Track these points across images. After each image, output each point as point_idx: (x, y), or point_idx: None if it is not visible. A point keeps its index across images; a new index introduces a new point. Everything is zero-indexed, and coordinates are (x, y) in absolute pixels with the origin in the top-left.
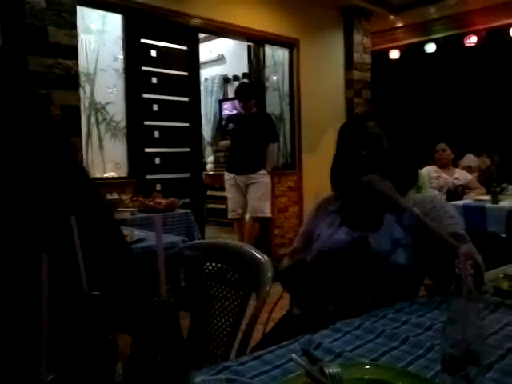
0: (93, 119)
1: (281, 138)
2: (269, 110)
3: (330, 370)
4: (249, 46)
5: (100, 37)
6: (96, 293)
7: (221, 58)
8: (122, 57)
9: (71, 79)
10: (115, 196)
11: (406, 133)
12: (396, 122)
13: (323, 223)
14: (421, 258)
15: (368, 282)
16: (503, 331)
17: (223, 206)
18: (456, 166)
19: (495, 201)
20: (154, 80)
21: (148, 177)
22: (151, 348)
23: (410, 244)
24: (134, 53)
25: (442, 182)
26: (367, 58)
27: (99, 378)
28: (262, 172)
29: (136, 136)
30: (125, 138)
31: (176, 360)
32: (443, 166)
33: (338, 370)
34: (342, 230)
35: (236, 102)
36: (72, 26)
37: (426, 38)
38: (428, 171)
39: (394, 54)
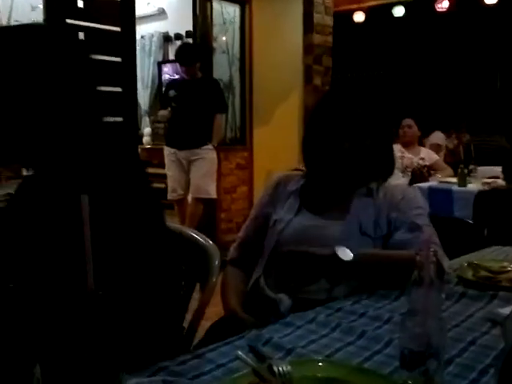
0: None
1: (229, 109)
2: (216, 75)
3: (280, 368)
4: (194, 0)
5: None
6: None
7: (161, 12)
8: (41, 6)
9: None
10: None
11: (386, 117)
12: (377, 104)
13: (280, 206)
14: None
15: (334, 277)
16: (465, 323)
17: (162, 186)
18: (422, 144)
19: (463, 183)
20: (81, 36)
21: None
22: (75, 345)
23: (381, 237)
24: (56, 2)
25: (407, 162)
26: (329, 20)
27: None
28: (207, 147)
29: None
30: None
31: (105, 360)
32: (408, 144)
33: (289, 367)
34: (302, 215)
35: (178, 65)
36: None
37: (394, 1)
38: None
39: (359, 17)
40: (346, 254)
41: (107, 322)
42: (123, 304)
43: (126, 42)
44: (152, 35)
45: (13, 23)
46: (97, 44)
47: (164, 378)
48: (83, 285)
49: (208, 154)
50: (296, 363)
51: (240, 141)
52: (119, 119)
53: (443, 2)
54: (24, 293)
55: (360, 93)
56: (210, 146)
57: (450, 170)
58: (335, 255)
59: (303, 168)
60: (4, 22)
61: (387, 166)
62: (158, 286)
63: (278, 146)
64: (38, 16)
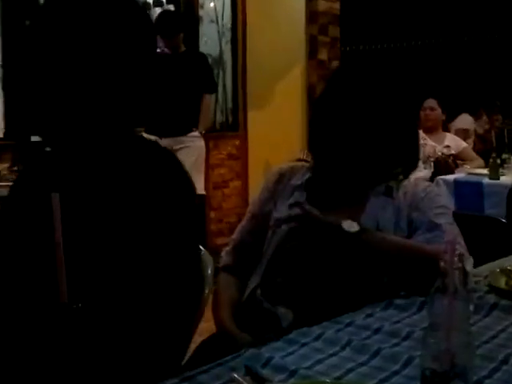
0: None
1: (219, 88)
2: (203, 49)
3: None
4: None
5: None
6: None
7: None
8: None
9: None
10: None
11: (408, 98)
12: (397, 83)
13: (282, 203)
14: None
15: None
16: (497, 339)
17: None
18: (447, 130)
19: (495, 175)
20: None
21: (34, 138)
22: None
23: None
24: None
25: (429, 151)
26: None
27: None
28: (193, 134)
29: (16, 75)
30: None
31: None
32: (431, 129)
33: None
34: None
35: (158, 37)
36: None
37: None
38: None
39: None
40: (352, 226)
41: (81, 338)
42: (109, 318)
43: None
44: None
45: None
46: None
47: None
48: (54, 296)
49: (194, 143)
50: None
51: (232, 126)
52: None
53: None
54: None
55: (376, 69)
56: (196, 133)
57: (480, 160)
58: (340, 227)
59: (309, 158)
60: None
61: (410, 158)
62: (155, 303)
63: (278, 131)
64: None
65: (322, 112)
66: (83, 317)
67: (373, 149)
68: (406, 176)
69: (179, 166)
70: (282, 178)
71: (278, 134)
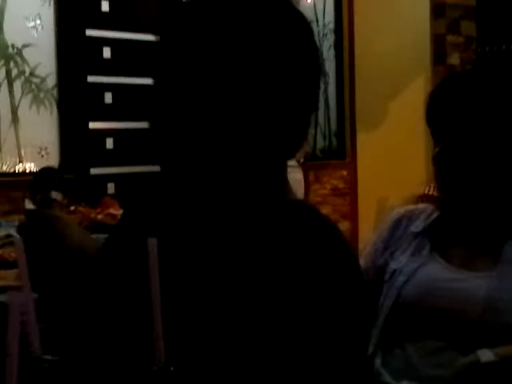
0: (1, 73)
1: (320, 106)
2: None
3: None
4: None
5: None
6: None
7: None
8: None
9: None
10: None
11: None
12: None
13: (401, 252)
14: None
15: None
16: None
17: None
18: None
19: None
20: (105, 5)
21: (94, 171)
22: None
23: None
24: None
25: None
26: None
27: None
28: (288, 164)
29: (74, 102)
30: (55, 104)
31: None
32: None
33: None
34: (433, 263)
35: None
36: None
37: None
38: None
39: None
40: (486, 355)
41: None
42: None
43: (172, 9)
44: None
45: None
46: (128, 16)
47: None
48: (150, 357)
49: (290, 174)
50: None
51: (337, 153)
52: None
53: None
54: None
55: (505, 75)
56: (292, 162)
57: None
58: (477, 363)
59: (435, 193)
60: None
61: None
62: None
63: (395, 159)
64: None
65: (453, 136)
66: (176, 381)
67: None
68: None
69: (344, 241)
70: (399, 224)
71: (395, 163)
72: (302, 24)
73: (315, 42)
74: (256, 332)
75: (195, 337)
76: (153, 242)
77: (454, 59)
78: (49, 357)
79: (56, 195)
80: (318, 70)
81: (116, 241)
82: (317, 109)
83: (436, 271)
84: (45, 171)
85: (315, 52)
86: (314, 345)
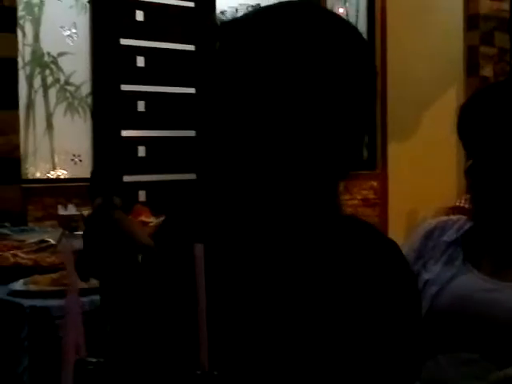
0: (37, 81)
1: None
2: None
3: None
4: None
5: None
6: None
7: None
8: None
9: (4, 14)
10: (72, 211)
11: None
12: None
13: (434, 262)
14: None
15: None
16: None
17: None
18: None
19: None
20: (140, 16)
21: (126, 179)
22: None
23: None
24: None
25: None
26: None
27: None
28: None
29: (107, 110)
30: (88, 112)
31: None
32: None
33: None
34: (466, 273)
35: None
36: None
37: None
38: None
39: None
40: None
41: None
42: None
43: (200, 23)
44: (236, 9)
45: (47, 1)
46: (160, 27)
47: None
48: (194, 361)
49: None
50: None
51: (368, 163)
52: (192, 133)
53: None
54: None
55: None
56: None
57: None
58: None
59: (467, 205)
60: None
61: None
62: None
63: (426, 170)
64: None
65: (485, 150)
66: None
67: None
68: None
69: (403, 258)
70: (432, 234)
71: (426, 174)
72: (365, 53)
73: (375, 70)
74: (303, 345)
75: (241, 342)
76: (200, 248)
77: (488, 71)
78: (93, 359)
79: (116, 199)
80: (374, 95)
81: (159, 246)
82: (368, 132)
83: (469, 281)
84: (102, 174)
85: (374, 79)
86: (373, 356)
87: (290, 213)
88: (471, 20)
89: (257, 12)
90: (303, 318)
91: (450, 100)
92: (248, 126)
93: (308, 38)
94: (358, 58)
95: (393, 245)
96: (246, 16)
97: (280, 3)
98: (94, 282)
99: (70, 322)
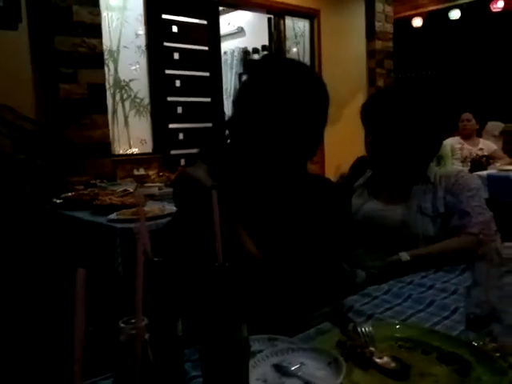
0: (117, 97)
1: None
2: None
3: (363, 329)
4: (269, 18)
5: (122, 13)
6: (157, 258)
7: (240, 30)
8: (143, 33)
9: (96, 57)
10: (142, 172)
11: (426, 105)
12: (417, 93)
13: (355, 195)
14: (448, 230)
15: (399, 251)
16: None
17: None
18: (480, 136)
19: None
20: (176, 56)
21: (172, 152)
22: (207, 305)
23: (439, 214)
24: (155, 29)
25: (466, 153)
26: (389, 27)
27: (163, 332)
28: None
29: (160, 112)
30: (149, 114)
31: (229, 315)
32: (467, 136)
33: (370, 328)
34: (370, 201)
35: None
36: (95, 3)
37: (451, 4)
38: (451, 143)
39: (417, 22)
40: (404, 256)
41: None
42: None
43: (212, 59)
44: (233, 51)
45: (122, 48)
46: (189, 62)
47: (270, 335)
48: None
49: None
50: (376, 325)
51: None
52: (209, 125)
53: (498, 3)
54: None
55: (414, 91)
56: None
57: (507, 159)
58: (399, 261)
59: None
60: (115, 48)
61: (429, 152)
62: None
63: (346, 142)
64: (141, 41)
65: (380, 131)
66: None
67: (416, 152)
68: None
69: (340, 190)
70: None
71: (346, 144)
72: (323, 88)
73: (328, 97)
74: (296, 237)
75: (257, 241)
76: (215, 193)
77: (380, 83)
78: (156, 259)
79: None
80: (327, 110)
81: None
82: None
83: (372, 205)
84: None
85: (327, 102)
86: (324, 235)
87: (284, 171)
88: (370, 53)
89: (267, 58)
90: (290, 223)
91: (359, 100)
92: (262, 123)
93: (294, 80)
94: (319, 90)
95: (334, 184)
96: (261, 60)
97: (277, 59)
98: (155, 212)
99: (141, 236)
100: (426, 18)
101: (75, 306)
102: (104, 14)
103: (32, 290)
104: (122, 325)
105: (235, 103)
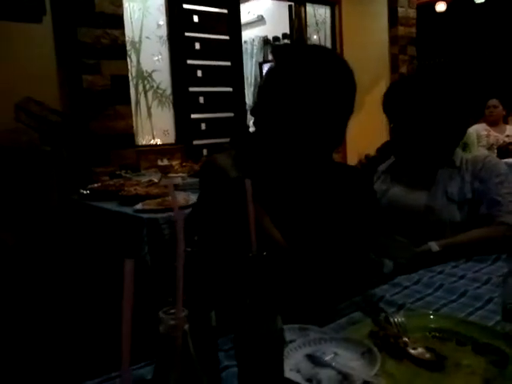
0: (140, 87)
1: None
2: None
3: (395, 319)
4: (289, 6)
5: (143, 4)
6: (188, 249)
7: (260, 19)
8: (164, 23)
9: (119, 49)
10: (165, 162)
11: (451, 92)
12: (441, 80)
13: (380, 181)
14: (476, 216)
15: (424, 238)
16: None
17: None
18: (507, 122)
19: None
20: (197, 46)
21: (195, 142)
22: (242, 297)
23: (466, 201)
24: (176, 19)
25: (492, 140)
26: (412, 13)
27: (198, 323)
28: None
29: (182, 102)
30: (171, 105)
31: (264, 306)
32: (493, 123)
33: (403, 319)
34: (394, 186)
35: None
36: None
37: None
38: (477, 129)
39: (441, 7)
40: (434, 247)
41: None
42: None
43: (233, 48)
44: (253, 40)
45: (143, 39)
46: (210, 51)
47: (300, 325)
48: (248, 248)
49: None
50: (408, 315)
51: None
52: (231, 115)
53: None
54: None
55: (431, 79)
56: None
57: None
58: (429, 251)
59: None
60: (137, 39)
61: (454, 137)
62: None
63: (368, 130)
64: (162, 32)
65: (403, 119)
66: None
67: (441, 140)
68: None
69: (366, 177)
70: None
71: (368, 131)
72: (348, 75)
73: (355, 84)
74: (326, 225)
75: (285, 230)
76: (248, 182)
77: (403, 69)
78: (189, 249)
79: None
80: (354, 98)
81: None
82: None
83: (396, 191)
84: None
85: (354, 89)
86: (351, 223)
87: (310, 160)
88: (393, 39)
89: (295, 44)
90: (316, 212)
91: (382, 87)
92: (288, 109)
93: (322, 67)
94: (347, 77)
95: (360, 172)
96: (289, 46)
97: (304, 45)
98: (181, 202)
99: (179, 225)
100: (450, 2)
101: (124, 296)
102: (126, 4)
103: (61, 280)
104: (162, 315)
105: (261, 90)
